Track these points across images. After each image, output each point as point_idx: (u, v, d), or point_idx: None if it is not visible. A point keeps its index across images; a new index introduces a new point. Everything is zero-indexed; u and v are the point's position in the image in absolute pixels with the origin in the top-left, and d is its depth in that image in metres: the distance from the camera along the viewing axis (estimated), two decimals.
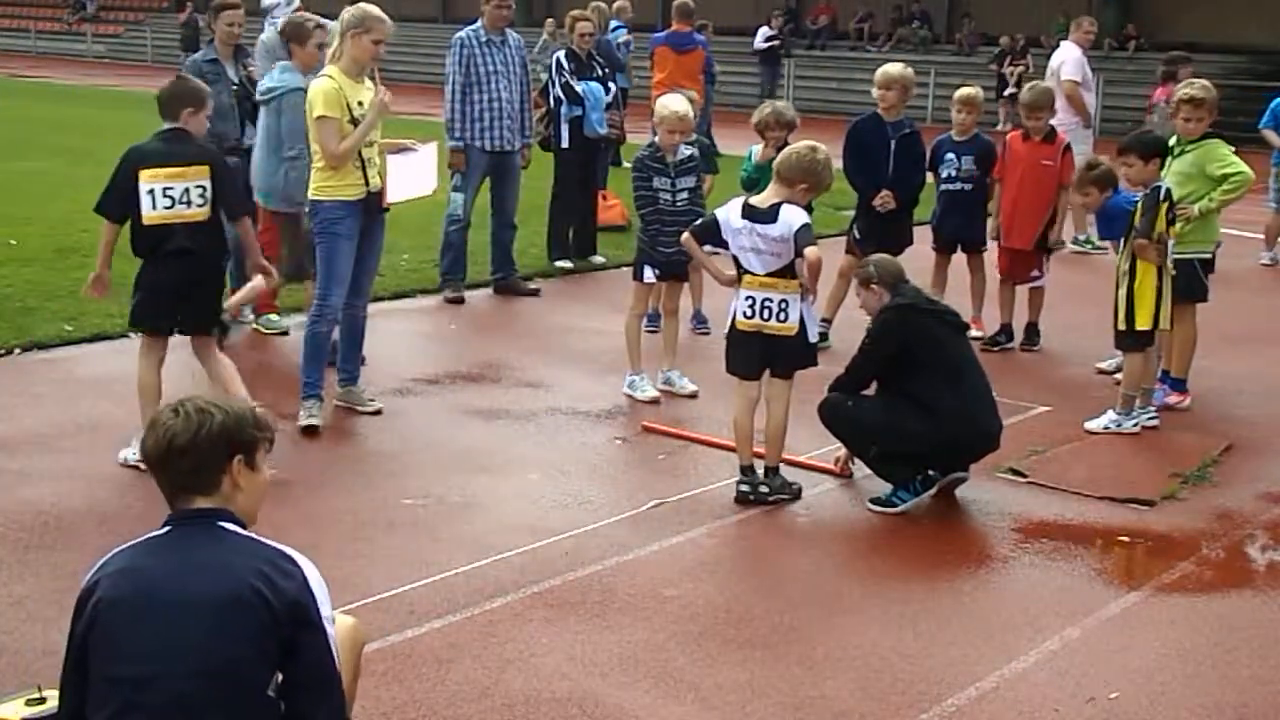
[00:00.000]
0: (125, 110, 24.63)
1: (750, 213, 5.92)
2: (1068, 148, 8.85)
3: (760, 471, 6.03)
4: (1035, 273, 8.76)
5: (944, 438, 5.91)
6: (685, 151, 7.46)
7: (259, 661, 2.89)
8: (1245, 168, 7.55)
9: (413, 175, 7.08)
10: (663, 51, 13.80)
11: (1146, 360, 7.27)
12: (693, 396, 7.52)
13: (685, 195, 7.44)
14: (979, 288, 9.00)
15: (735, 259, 6.01)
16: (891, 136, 8.46)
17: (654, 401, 7.42)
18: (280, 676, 2.94)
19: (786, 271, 5.84)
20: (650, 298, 8.04)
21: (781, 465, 6.09)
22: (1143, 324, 7.10)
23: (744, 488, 6.01)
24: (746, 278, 5.93)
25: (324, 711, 2.96)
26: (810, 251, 5.73)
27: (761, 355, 6.01)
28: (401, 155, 7.05)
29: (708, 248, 6.30)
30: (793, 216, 5.83)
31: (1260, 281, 11.70)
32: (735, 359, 6.12)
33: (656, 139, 7.46)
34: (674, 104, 7.45)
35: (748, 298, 5.93)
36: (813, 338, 6.04)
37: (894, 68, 8.65)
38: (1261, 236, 12.46)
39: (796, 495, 6.03)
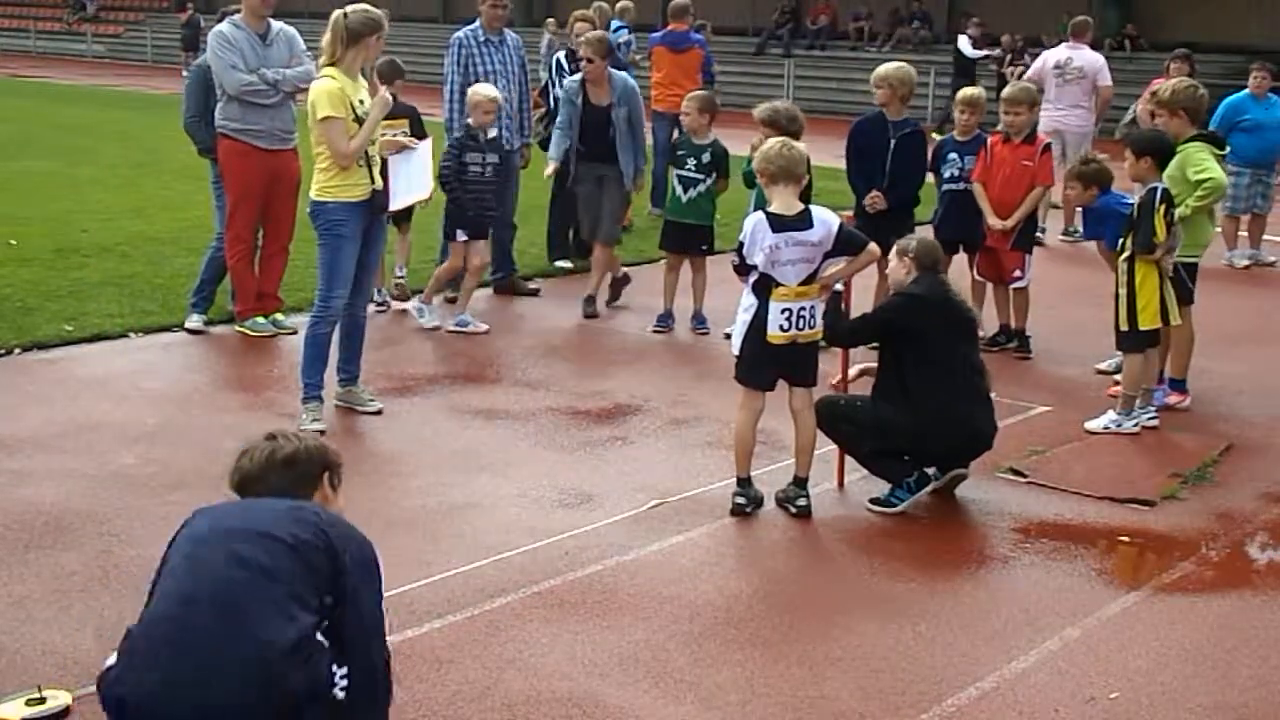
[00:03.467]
0: (125, 110, 24.67)
1: (782, 224, 5.73)
2: (1046, 148, 8.82)
3: (793, 483, 5.93)
4: (1017, 273, 8.73)
5: (935, 435, 5.91)
6: (493, 132, 8.96)
7: (303, 582, 3.17)
8: (1218, 174, 7.53)
9: (409, 178, 7.08)
10: (659, 51, 13.82)
11: (1146, 360, 7.27)
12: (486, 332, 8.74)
13: (492, 169, 8.94)
14: (979, 288, 8.99)
15: (764, 276, 5.73)
16: (892, 136, 8.48)
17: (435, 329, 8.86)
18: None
19: (812, 277, 5.79)
20: (667, 293, 9.19)
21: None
22: (1147, 324, 7.10)
23: (740, 500, 5.90)
24: (779, 290, 5.70)
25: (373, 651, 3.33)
26: (873, 246, 5.93)
27: (785, 366, 5.84)
28: (401, 155, 7.06)
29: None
30: (828, 217, 5.82)
31: (1259, 281, 11.70)
32: (757, 371, 5.88)
33: (470, 121, 8.86)
34: (484, 90, 8.96)
35: (784, 310, 5.72)
36: (821, 342, 6.02)
37: (885, 66, 8.71)
38: (1267, 238, 12.45)
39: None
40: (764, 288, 5.76)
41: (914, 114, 10.08)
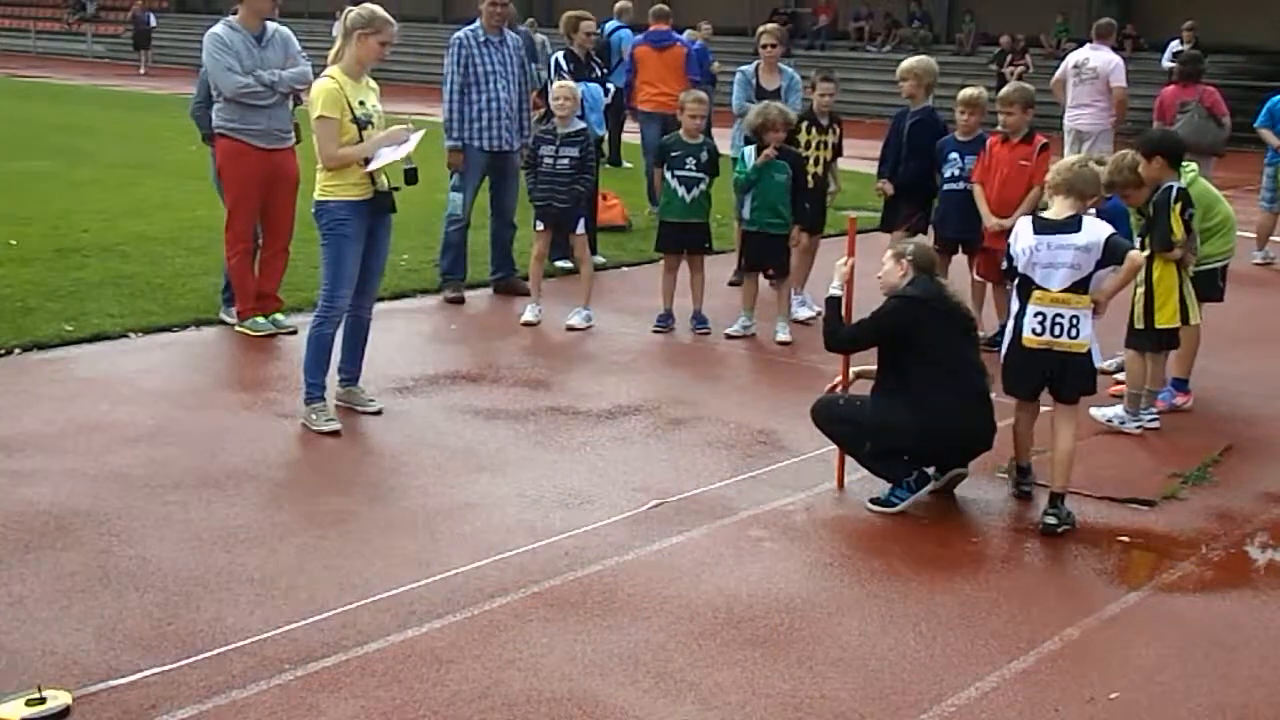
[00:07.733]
0: (125, 110, 24.68)
1: (1045, 226, 5.86)
2: (1044, 147, 8.82)
3: (1047, 502, 5.91)
4: None
5: (933, 433, 5.91)
6: (576, 125, 9.15)
7: None
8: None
9: (394, 153, 7.17)
10: (643, 51, 13.79)
11: (1149, 360, 7.27)
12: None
13: (566, 162, 9.05)
14: (979, 288, 9.00)
15: (1024, 278, 5.87)
16: (907, 122, 9.08)
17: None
18: None
19: (1080, 286, 5.79)
20: (666, 294, 9.23)
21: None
22: (1164, 323, 7.11)
23: (1026, 488, 6.18)
24: (1036, 293, 5.81)
25: None
26: (1134, 254, 5.89)
27: (1046, 374, 5.90)
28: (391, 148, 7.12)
29: None
30: (1099, 226, 5.86)
31: (1259, 281, 11.70)
32: (1016, 380, 6.01)
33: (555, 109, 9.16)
34: (559, 85, 9.37)
35: (1038, 314, 5.80)
36: (1097, 360, 5.95)
37: (907, 60, 9.36)
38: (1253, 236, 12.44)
39: (1073, 525, 5.87)
40: (1025, 291, 5.88)
41: None
